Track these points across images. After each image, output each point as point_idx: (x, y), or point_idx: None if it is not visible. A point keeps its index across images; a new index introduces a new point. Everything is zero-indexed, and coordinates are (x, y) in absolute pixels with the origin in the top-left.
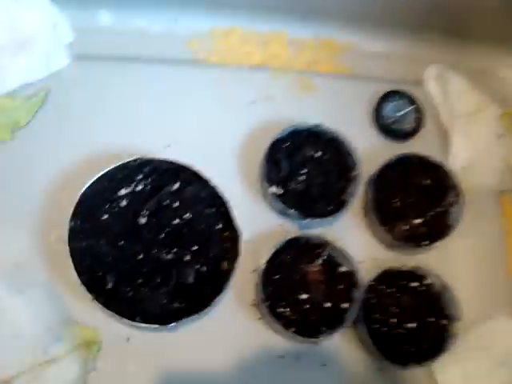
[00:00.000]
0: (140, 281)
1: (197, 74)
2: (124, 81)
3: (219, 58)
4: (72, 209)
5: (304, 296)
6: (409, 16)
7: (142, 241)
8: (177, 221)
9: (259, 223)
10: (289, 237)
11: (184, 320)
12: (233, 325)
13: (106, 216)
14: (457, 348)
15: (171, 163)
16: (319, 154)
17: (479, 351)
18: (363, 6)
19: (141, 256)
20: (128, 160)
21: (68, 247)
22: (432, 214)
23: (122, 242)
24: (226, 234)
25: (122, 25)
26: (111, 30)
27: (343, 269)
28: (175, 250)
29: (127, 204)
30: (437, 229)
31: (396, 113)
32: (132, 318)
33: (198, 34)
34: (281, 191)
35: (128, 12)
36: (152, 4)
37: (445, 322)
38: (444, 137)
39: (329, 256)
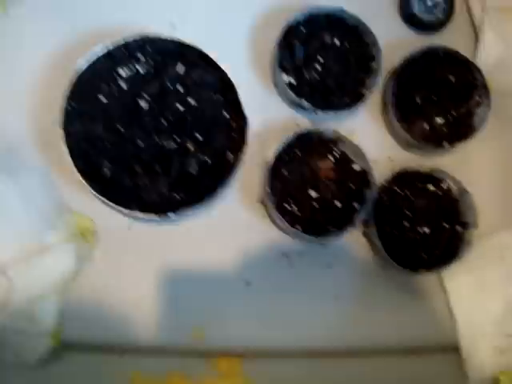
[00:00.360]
0: (139, 169)
1: None
2: None
3: None
4: (67, 89)
5: (313, 193)
6: None
7: (142, 126)
8: (180, 107)
9: (269, 114)
10: (300, 130)
11: (185, 212)
12: (236, 221)
13: (104, 98)
14: (469, 257)
15: (177, 43)
16: (338, 41)
17: (492, 262)
18: None
19: (140, 143)
20: (129, 37)
21: (62, 131)
22: (455, 113)
23: (121, 127)
24: (233, 123)
25: None
26: None
27: (356, 167)
28: (178, 138)
29: (127, 86)
30: (459, 130)
31: (424, 2)
32: (129, 207)
33: None
34: (294, 80)
35: None
36: None
37: (460, 229)
38: (475, 32)
39: (342, 152)
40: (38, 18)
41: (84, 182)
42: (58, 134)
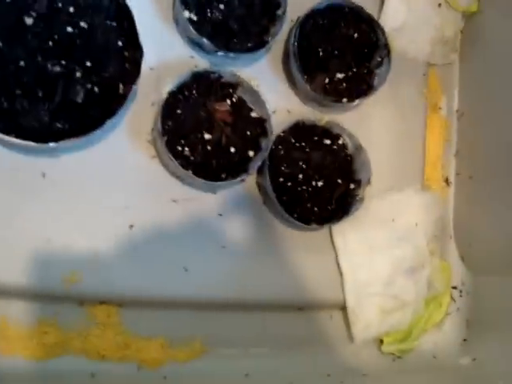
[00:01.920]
0: (18, 91)
1: None
2: None
3: None
4: None
5: (207, 136)
6: None
7: (25, 45)
8: (70, 29)
9: (167, 50)
10: (197, 69)
11: (66, 142)
12: (123, 159)
13: None
14: (360, 215)
15: None
16: None
17: (382, 222)
18: None
19: (22, 63)
20: None
21: None
22: (356, 70)
23: (1, 44)
24: (127, 53)
25: None
26: None
27: (254, 114)
28: (64, 62)
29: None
30: (359, 87)
31: None
32: (6, 133)
33: None
34: (196, 17)
35: None
36: None
37: (353, 185)
38: None
39: (240, 97)
40: None
41: None
42: None
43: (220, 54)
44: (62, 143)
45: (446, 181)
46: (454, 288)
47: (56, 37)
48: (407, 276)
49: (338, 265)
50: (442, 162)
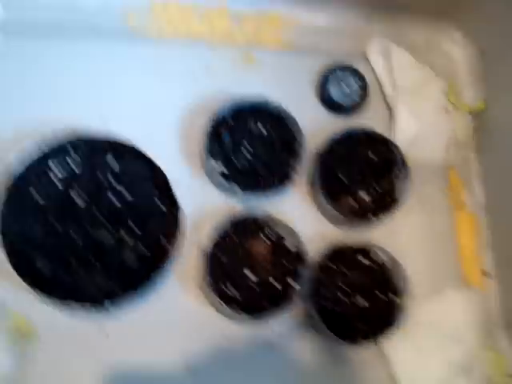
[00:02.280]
0: (74, 262)
1: (135, 49)
2: (59, 56)
3: (158, 32)
4: (4, 193)
5: (250, 275)
6: None
7: (76, 220)
8: (114, 199)
9: (202, 201)
10: (233, 214)
11: (122, 301)
12: (176, 307)
13: (37, 195)
14: (407, 324)
15: (107, 139)
16: (263, 128)
17: (428, 326)
18: None
19: (75, 236)
20: (63, 137)
21: (0, 233)
22: (379, 188)
23: (55, 223)
24: (167, 211)
25: None
26: (46, 4)
27: (290, 246)
28: (114, 230)
29: (61, 183)
30: (384, 203)
31: (340, 87)
32: (67, 302)
33: (136, 7)
34: (224, 167)
35: None
36: None
37: (394, 297)
38: (389, 111)
39: (275, 234)
40: None
41: (21, 279)
42: None
43: (250, 196)
44: (117, 303)
45: (485, 273)
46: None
47: (104, 210)
48: (463, 375)
49: (392, 375)
50: (478, 255)
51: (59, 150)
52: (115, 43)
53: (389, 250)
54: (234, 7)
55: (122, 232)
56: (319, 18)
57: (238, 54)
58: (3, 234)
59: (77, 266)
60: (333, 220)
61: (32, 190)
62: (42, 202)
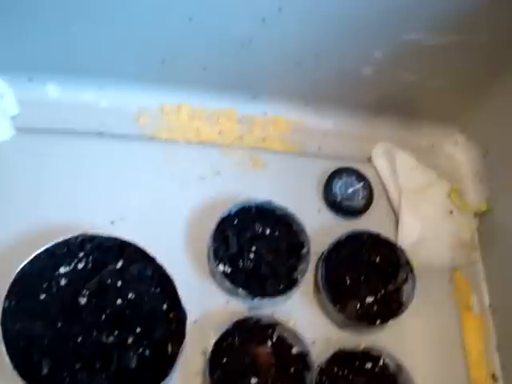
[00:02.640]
0: (78, 365)
1: (145, 150)
2: (70, 155)
3: (168, 134)
4: (8, 287)
5: (254, 380)
6: (356, 96)
7: (81, 322)
8: (119, 301)
9: (207, 302)
10: (237, 317)
11: None
12: None
13: (43, 295)
14: None
15: (115, 240)
16: (269, 231)
17: None
18: (312, 86)
19: (80, 339)
20: (70, 236)
21: (1, 329)
22: (384, 291)
23: (60, 324)
24: (172, 315)
25: (70, 99)
26: (59, 104)
27: (295, 350)
28: (117, 332)
29: (67, 283)
30: (389, 307)
31: (345, 190)
32: None
33: (147, 109)
34: (229, 269)
35: (77, 86)
36: (101, 78)
37: None
38: (394, 213)
39: (279, 337)
40: None
41: (22, 380)
42: None
43: (256, 299)
44: None
45: (493, 377)
46: None
47: (108, 310)
48: None
49: None
50: (486, 359)
51: (65, 248)
52: (126, 144)
53: (395, 353)
54: (243, 111)
55: (126, 335)
56: (325, 123)
57: (245, 156)
58: (4, 330)
59: (79, 367)
60: (338, 323)
61: (36, 285)
62: (44, 297)
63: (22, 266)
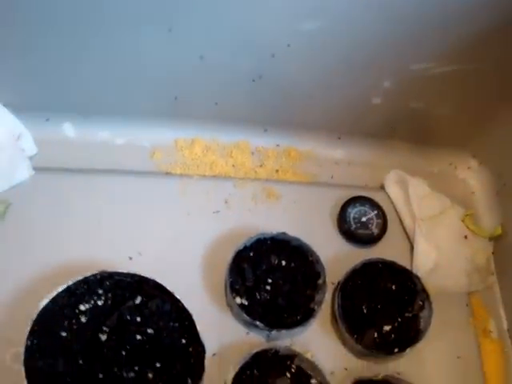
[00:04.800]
0: None
1: (160, 185)
2: (87, 193)
3: (183, 169)
4: (29, 326)
5: None
6: (368, 125)
7: (102, 359)
8: (139, 337)
9: (225, 335)
10: (256, 350)
11: None
12: None
13: (64, 333)
14: None
15: (133, 276)
16: (284, 262)
17: None
18: (322, 116)
19: (101, 375)
20: (89, 274)
21: (23, 367)
22: (401, 319)
23: (81, 361)
24: (191, 349)
25: (87, 137)
26: (75, 143)
27: (314, 381)
28: (137, 367)
29: (87, 320)
30: (407, 335)
31: (359, 218)
32: None
33: (161, 144)
34: (246, 302)
35: (92, 124)
36: (116, 116)
37: None
38: (408, 240)
39: (298, 368)
40: (2, 258)
41: None
42: (20, 370)
43: (273, 332)
44: None
45: None
46: None
47: (128, 346)
48: None
49: None
50: None
51: (85, 286)
52: (141, 180)
53: (414, 381)
54: (256, 144)
55: (147, 371)
56: (337, 152)
57: (259, 188)
58: (27, 368)
59: None
60: (356, 353)
61: (57, 323)
62: (66, 335)
63: (43, 304)
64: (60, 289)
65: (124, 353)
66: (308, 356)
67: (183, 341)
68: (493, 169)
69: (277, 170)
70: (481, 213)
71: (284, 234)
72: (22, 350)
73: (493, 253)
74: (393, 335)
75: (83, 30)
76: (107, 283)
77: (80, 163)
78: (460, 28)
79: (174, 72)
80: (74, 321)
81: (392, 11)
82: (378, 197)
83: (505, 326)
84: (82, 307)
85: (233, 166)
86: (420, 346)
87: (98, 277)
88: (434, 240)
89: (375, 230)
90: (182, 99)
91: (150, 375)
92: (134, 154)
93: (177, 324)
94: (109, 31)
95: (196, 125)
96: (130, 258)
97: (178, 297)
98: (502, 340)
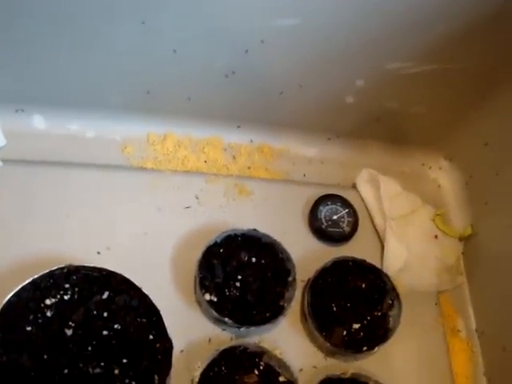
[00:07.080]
0: None
1: (131, 180)
2: (56, 186)
3: (154, 164)
4: None
5: None
6: (342, 123)
7: (67, 354)
8: (105, 332)
9: (194, 332)
10: (224, 346)
11: None
12: None
13: (29, 327)
14: None
15: (101, 271)
16: (255, 259)
17: None
18: (296, 114)
19: (66, 370)
20: (55, 268)
21: None
22: (370, 318)
23: (46, 356)
24: (158, 345)
25: (57, 130)
26: (45, 135)
27: (282, 378)
28: (103, 363)
29: (53, 314)
30: (376, 333)
31: (331, 217)
32: None
33: (133, 139)
34: (215, 298)
35: (63, 117)
36: (87, 109)
37: None
38: (379, 239)
39: (267, 365)
40: None
41: None
42: None
43: (242, 328)
44: None
45: None
46: None
47: (94, 341)
48: None
49: None
50: (473, 383)
51: (51, 280)
52: (111, 174)
53: (382, 379)
54: (229, 140)
55: (113, 367)
56: (310, 150)
57: (231, 185)
58: None
59: None
60: (325, 351)
61: (21, 317)
62: (30, 329)
63: (7, 298)
64: (25, 282)
65: (90, 348)
66: (277, 353)
67: (151, 337)
68: (464, 169)
69: (249, 167)
70: (451, 213)
71: (255, 230)
72: None
73: (462, 253)
74: (362, 333)
75: (55, 22)
76: (74, 277)
77: (50, 156)
78: (435, 28)
79: (146, 65)
80: (39, 315)
81: (367, 10)
82: (349, 195)
83: (473, 325)
84: (48, 301)
85: (205, 161)
86: (389, 344)
87: (65, 271)
88: (405, 239)
89: (346, 229)
90: (155, 93)
91: (117, 371)
92: (105, 147)
93: (144, 320)
94: (82, 22)
95: (168, 120)
96: (99, 253)
97: (145, 292)
98: (470, 339)
